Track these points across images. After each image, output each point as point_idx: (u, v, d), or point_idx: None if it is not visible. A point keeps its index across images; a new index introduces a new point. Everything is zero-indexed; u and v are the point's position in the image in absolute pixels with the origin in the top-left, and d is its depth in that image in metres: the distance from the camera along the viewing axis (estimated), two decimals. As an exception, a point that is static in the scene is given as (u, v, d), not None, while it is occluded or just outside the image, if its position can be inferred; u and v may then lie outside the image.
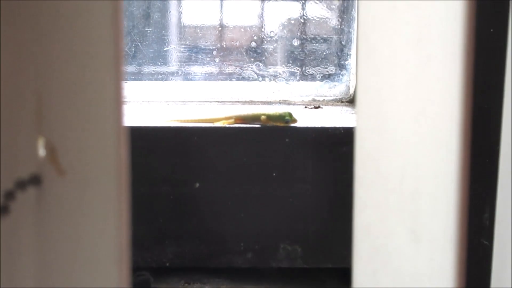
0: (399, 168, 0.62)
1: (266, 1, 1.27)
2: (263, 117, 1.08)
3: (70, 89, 0.55)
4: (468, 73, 0.58)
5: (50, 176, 0.56)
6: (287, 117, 1.07)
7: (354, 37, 1.25)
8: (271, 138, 1.08)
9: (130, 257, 0.54)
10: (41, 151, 0.56)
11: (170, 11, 1.28)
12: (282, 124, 1.07)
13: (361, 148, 0.64)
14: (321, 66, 1.28)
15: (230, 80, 1.29)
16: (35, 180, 0.56)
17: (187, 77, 1.30)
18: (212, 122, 1.10)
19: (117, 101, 0.53)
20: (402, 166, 0.62)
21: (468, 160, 0.59)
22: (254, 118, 1.09)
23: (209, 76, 1.29)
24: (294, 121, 1.08)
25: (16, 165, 0.56)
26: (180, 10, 1.29)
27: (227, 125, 1.09)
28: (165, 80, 1.29)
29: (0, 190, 0.56)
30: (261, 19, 1.28)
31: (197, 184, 1.09)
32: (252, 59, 1.28)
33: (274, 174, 1.08)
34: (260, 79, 1.28)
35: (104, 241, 0.54)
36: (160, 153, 1.08)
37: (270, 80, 1.28)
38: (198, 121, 1.11)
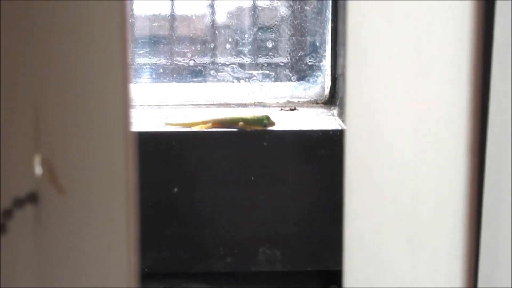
0: (396, 176, 0.62)
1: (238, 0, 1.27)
2: (241, 123, 1.07)
3: (70, 103, 0.54)
4: (475, 83, 0.58)
5: (48, 194, 0.55)
6: (265, 121, 1.07)
7: (328, 38, 1.25)
8: (249, 142, 1.08)
9: (139, 278, 0.53)
10: (38, 169, 0.55)
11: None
12: (260, 128, 1.07)
13: (352, 155, 0.64)
14: (296, 67, 1.27)
15: (204, 81, 1.28)
16: (33, 198, 0.55)
17: (159, 79, 1.28)
18: (190, 127, 1.09)
19: (124, 120, 0.52)
20: (400, 174, 0.62)
21: (476, 168, 0.59)
22: (232, 122, 1.09)
23: (183, 78, 1.28)
24: (272, 124, 1.07)
25: (13, 183, 0.55)
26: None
27: (205, 130, 1.08)
28: (137, 82, 1.28)
29: (-4, 209, 0.55)
30: (235, 20, 1.27)
31: (176, 189, 1.08)
32: (226, 62, 1.27)
33: (252, 178, 1.08)
34: (235, 81, 1.28)
35: (111, 262, 0.53)
36: (138, 158, 1.06)
37: (245, 81, 1.27)
38: (176, 125, 1.10)
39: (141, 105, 1.26)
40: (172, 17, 1.26)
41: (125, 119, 0.54)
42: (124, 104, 0.54)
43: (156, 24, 1.27)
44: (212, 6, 1.27)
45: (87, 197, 0.55)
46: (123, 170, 0.55)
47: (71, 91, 0.54)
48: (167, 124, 1.10)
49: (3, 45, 0.53)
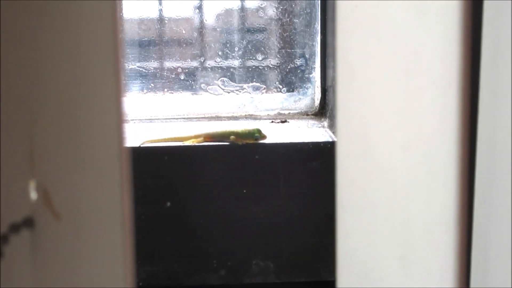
0: (387, 193, 0.63)
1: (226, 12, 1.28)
2: (232, 137, 1.08)
3: (63, 125, 0.55)
4: (464, 101, 0.59)
5: (43, 218, 0.56)
6: (256, 134, 1.08)
7: (317, 50, 1.26)
8: (241, 155, 1.08)
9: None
10: (33, 194, 0.56)
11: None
12: (251, 141, 1.08)
13: (343, 173, 0.65)
14: (286, 79, 1.28)
15: (195, 94, 1.29)
16: (29, 223, 0.56)
17: (151, 91, 1.29)
18: (182, 141, 1.10)
19: (119, 142, 0.52)
20: (391, 192, 0.63)
21: (466, 185, 0.60)
22: (224, 136, 1.09)
23: (175, 90, 1.29)
24: (264, 137, 1.08)
25: (9, 209, 0.55)
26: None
27: (197, 144, 1.08)
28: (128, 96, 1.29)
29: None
30: (224, 34, 1.28)
31: (169, 204, 1.08)
32: (217, 75, 1.28)
33: (244, 191, 1.09)
34: (225, 94, 1.28)
35: (108, 285, 0.53)
36: (131, 174, 1.07)
37: (236, 94, 1.28)
38: (168, 140, 1.10)
39: (133, 120, 1.27)
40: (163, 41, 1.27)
41: (119, 138, 0.55)
42: (117, 123, 0.54)
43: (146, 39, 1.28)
44: (201, 14, 1.28)
45: (82, 221, 0.55)
46: (118, 190, 0.56)
47: (63, 113, 0.55)
48: (144, 142, 1.09)
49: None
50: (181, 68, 1.28)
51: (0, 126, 0.54)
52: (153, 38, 1.28)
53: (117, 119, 0.53)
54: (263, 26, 1.28)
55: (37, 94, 0.54)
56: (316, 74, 1.27)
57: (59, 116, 0.55)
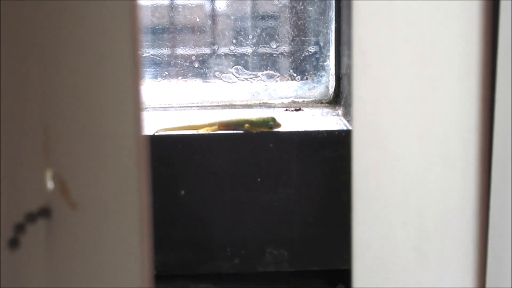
0: (403, 184, 0.63)
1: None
2: (246, 125, 1.08)
3: (79, 118, 0.55)
4: (482, 89, 0.58)
5: (60, 208, 0.56)
6: (271, 123, 1.07)
7: (332, 38, 1.25)
8: (255, 143, 1.08)
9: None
10: (50, 184, 0.56)
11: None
12: (266, 129, 1.07)
13: (360, 162, 0.64)
14: (300, 67, 1.28)
15: (210, 82, 1.29)
16: (45, 213, 0.56)
17: (165, 79, 1.29)
18: (196, 129, 1.09)
19: (136, 131, 0.52)
20: (407, 183, 0.63)
21: (483, 175, 0.60)
22: (238, 124, 1.09)
23: (188, 78, 1.29)
24: (278, 125, 1.08)
25: (25, 198, 0.55)
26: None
27: (211, 132, 1.08)
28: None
29: (8, 223, 0.55)
30: (239, 22, 1.27)
31: (183, 192, 1.08)
32: (231, 63, 1.27)
33: (258, 180, 1.09)
34: (239, 82, 1.28)
35: (125, 275, 0.53)
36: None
37: (251, 82, 1.28)
38: (182, 128, 1.10)
39: (147, 108, 1.27)
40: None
41: (137, 126, 0.55)
42: (135, 111, 0.54)
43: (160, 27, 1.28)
44: (214, 1, 1.27)
45: (99, 210, 0.55)
46: (135, 179, 0.56)
47: (80, 101, 0.55)
48: (158, 131, 1.09)
49: (8, 60, 0.54)
50: (195, 56, 1.27)
51: (16, 115, 0.54)
52: (166, 25, 1.27)
53: (135, 107, 0.53)
54: (277, 13, 1.27)
55: (54, 82, 0.54)
56: (330, 62, 1.27)
57: (75, 104, 0.55)
